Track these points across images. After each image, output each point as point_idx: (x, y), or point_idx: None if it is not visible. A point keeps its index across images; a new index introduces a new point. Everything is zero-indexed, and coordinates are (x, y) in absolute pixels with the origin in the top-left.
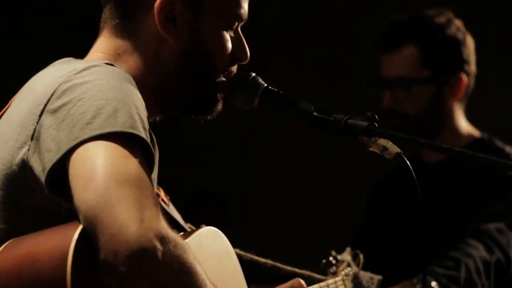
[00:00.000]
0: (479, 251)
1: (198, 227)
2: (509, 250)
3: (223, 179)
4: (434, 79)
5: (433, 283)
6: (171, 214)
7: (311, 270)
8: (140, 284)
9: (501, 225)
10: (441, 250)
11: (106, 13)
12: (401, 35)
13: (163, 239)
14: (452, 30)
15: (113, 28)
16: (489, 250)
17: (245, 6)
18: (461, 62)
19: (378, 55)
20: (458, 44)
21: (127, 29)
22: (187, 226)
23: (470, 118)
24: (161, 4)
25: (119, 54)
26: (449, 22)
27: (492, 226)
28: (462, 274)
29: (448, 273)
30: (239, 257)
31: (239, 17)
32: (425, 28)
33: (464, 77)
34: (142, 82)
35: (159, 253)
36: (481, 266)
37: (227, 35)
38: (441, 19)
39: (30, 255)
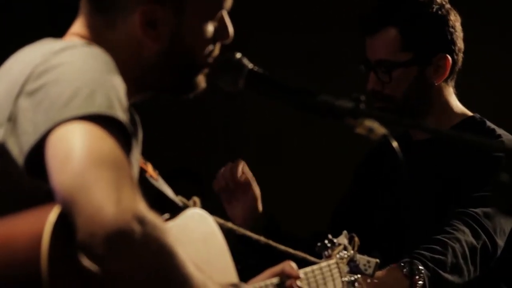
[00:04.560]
0: (466, 236)
1: (189, 199)
2: (496, 236)
3: (200, 157)
4: (416, 61)
5: (420, 267)
6: (160, 189)
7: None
8: (118, 265)
9: (489, 209)
10: (427, 231)
11: None
12: (380, 17)
13: (141, 220)
14: (434, 9)
15: (91, 9)
16: (476, 235)
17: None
18: (445, 42)
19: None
20: (441, 23)
21: (105, 10)
22: (178, 199)
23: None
24: (142, 8)
25: (98, 34)
26: (430, 1)
27: (479, 211)
28: (449, 258)
29: (435, 256)
30: (232, 231)
31: (222, 8)
32: (405, 9)
33: (449, 57)
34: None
35: (137, 234)
36: (467, 251)
37: (210, 26)
38: None
39: (5, 238)
